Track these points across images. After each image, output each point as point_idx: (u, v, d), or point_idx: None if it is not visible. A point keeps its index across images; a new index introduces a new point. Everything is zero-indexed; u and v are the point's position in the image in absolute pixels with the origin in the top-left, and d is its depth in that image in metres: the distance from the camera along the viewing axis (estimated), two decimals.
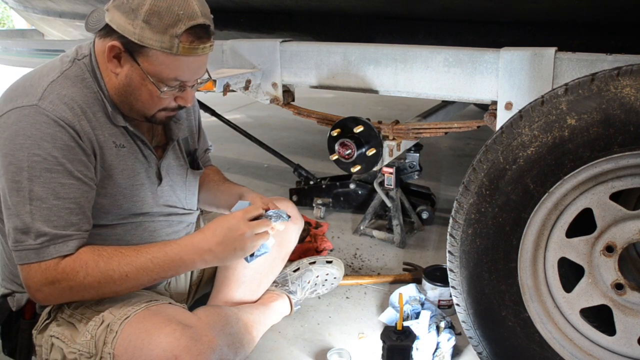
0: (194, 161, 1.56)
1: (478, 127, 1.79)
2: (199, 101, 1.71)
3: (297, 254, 1.99)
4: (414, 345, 1.53)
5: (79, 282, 1.19)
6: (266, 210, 1.33)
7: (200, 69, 1.26)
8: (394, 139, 1.94)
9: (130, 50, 1.19)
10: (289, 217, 1.37)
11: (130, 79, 1.23)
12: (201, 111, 1.71)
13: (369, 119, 1.91)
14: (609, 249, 1.22)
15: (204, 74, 1.30)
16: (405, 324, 1.55)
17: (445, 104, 2.40)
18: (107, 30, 1.20)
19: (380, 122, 1.96)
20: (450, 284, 1.44)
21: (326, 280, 1.90)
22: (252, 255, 1.31)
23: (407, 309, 1.73)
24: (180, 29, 1.14)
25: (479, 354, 1.45)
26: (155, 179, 1.39)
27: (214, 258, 1.25)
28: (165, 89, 1.23)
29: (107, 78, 1.27)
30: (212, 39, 1.23)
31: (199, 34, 1.18)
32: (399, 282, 2.06)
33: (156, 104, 1.27)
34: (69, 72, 1.25)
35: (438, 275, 1.89)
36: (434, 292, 1.87)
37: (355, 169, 1.92)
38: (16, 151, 1.15)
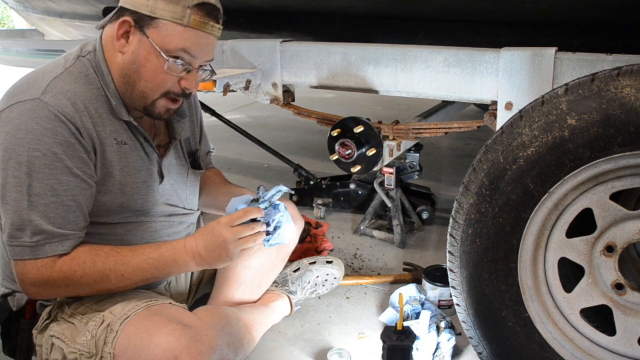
0: (195, 161, 1.56)
1: (478, 127, 1.79)
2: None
3: (297, 254, 1.99)
4: (414, 345, 1.53)
5: (75, 280, 1.21)
6: (257, 200, 1.33)
7: (208, 49, 1.27)
8: (394, 139, 1.94)
9: (141, 23, 1.21)
10: (285, 190, 1.36)
11: (137, 54, 1.23)
12: (202, 112, 1.70)
13: (369, 119, 1.91)
14: (609, 249, 1.22)
15: (211, 60, 1.31)
16: (405, 324, 1.55)
17: (445, 104, 2.40)
18: (119, 13, 1.23)
19: (380, 122, 1.96)
20: (450, 284, 1.44)
21: (326, 280, 1.90)
22: (267, 241, 1.33)
23: (407, 309, 1.73)
24: (193, 1, 1.19)
25: (479, 354, 1.45)
26: (157, 177, 1.39)
27: (203, 261, 1.27)
28: (171, 60, 1.22)
29: (112, 63, 1.27)
30: (220, 23, 1.26)
31: (210, 10, 1.22)
32: (399, 282, 2.06)
33: (160, 83, 1.26)
34: (73, 68, 1.26)
35: (438, 275, 1.89)
36: (434, 292, 1.87)
37: (355, 169, 1.92)
38: (17, 146, 1.16)
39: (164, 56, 1.21)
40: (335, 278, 1.92)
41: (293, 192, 1.39)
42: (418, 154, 2.37)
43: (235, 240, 1.25)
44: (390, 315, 1.78)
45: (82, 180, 1.22)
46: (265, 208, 1.32)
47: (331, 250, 2.32)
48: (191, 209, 1.54)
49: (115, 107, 1.27)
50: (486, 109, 1.75)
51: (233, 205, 1.33)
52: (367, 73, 1.89)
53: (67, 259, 1.20)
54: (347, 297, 1.99)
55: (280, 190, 1.35)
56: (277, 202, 1.34)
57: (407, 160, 2.37)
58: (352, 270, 2.18)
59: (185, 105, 1.52)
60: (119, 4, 1.23)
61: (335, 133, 1.90)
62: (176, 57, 1.23)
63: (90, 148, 1.23)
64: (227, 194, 1.59)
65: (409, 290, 1.82)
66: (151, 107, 1.29)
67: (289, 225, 1.36)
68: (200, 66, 1.29)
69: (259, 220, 1.30)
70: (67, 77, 1.23)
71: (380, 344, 1.56)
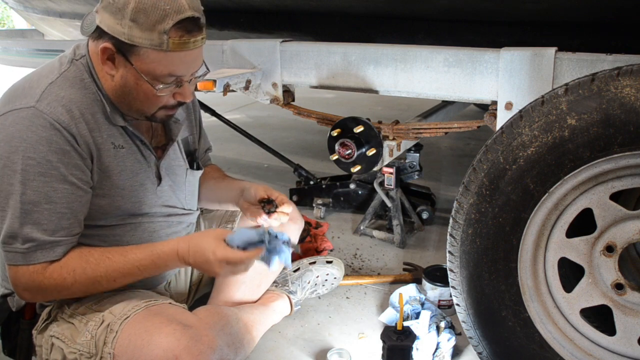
0: (194, 161, 1.56)
1: (478, 127, 1.79)
2: (199, 101, 1.71)
3: (297, 254, 1.99)
4: (414, 345, 1.53)
5: (66, 288, 1.21)
6: (262, 241, 1.27)
7: (195, 62, 1.24)
8: (394, 139, 1.94)
9: (122, 50, 1.17)
10: (291, 245, 1.31)
11: (126, 79, 1.22)
12: (201, 111, 1.70)
13: (369, 119, 1.91)
14: (609, 249, 1.22)
15: (201, 67, 1.28)
16: (405, 324, 1.55)
17: (445, 104, 2.40)
18: (99, 33, 1.19)
19: (380, 122, 1.96)
20: (450, 284, 1.44)
21: (326, 280, 1.90)
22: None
23: (407, 309, 1.73)
24: (168, 24, 1.12)
25: (479, 354, 1.45)
26: (155, 179, 1.39)
27: (193, 267, 1.32)
28: (161, 86, 1.21)
29: (103, 80, 1.26)
30: (203, 31, 1.21)
31: (188, 27, 1.16)
32: (399, 282, 2.06)
33: (154, 102, 1.26)
34: (68, 73, 1.25)
35: (438, 275, 1.89)
36: (434, 292, 1.87)
37: (355, 169, 1.92)
38: (11, 154, 1.15)
39: (152, 83, 1.20)
40: (335, 278, 1.92)
41: (297, 244, 1.37)
42: (418, 154, 2.37)
43: (226, 273, 1.27)
44: (390, 315, 1.78)
45: (78, 188, 1.21)
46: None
47: (331, 250, 2.32)
48: (190, 210, 1.54)
49: (110, 114, 1.26)
50: (486, 109, 1.75)
51: (237, 239, 1.25)
52: (367, 73, 1.89)
53: (57, 267, 1.19)
54: (347, 297, 1.99)
55: (287, 243, 1.29)
56: (281, 233, 1.30)
57: (407, 160, 2.37)
58: (352, 270, 2.18)
59: (183, 106, 1.51)
60: (96, 23, 1.18)
61: (335, 133, 1.90)
62: (166, 81, 1.21)
63: (86, 155, 1.22)
64: (225, 189, 1.60)
65: (409, 290, 1.82)
66: (152, 118, 1.31)
67: (284, 254, 1.30)
68: (192, 74, 1.27)
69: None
70: (62, 83, 1.22)
71: (380, 344, 1.56)
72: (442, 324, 1.64)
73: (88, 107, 1.23)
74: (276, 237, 1.28)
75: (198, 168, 1.57)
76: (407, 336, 1.51)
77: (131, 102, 1.26)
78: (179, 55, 1.18)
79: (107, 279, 1.22)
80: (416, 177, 2.40)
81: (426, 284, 1.89)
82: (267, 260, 1.29)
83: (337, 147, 1.90)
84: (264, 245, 1.26)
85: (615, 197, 1.22)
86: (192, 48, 1.19)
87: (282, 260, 1.29)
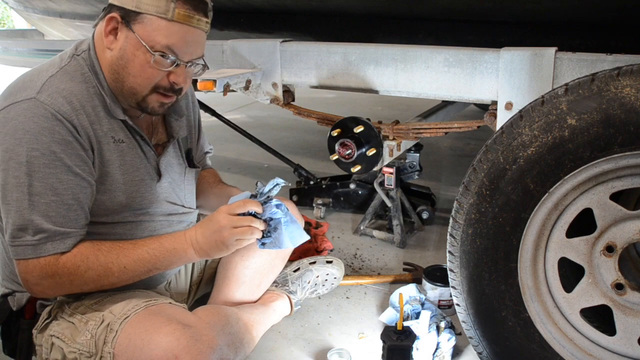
0: (191, 160, 1.56)
1: (478, 127, 1.79)
2: (199, 101, 1.71)
3: (297, 254, 1.99)
4: (414, 345, 1.53)
5: (79, 275, 1.21)
6: (255, 196, 1.33)
7: (195, 45, 1.25)
8: (394, 139, 1.94)
9: (127, 19, 1.20)
10: (282, 183, 1.35)
11: (124, 50, 1.23)
12: (201, 111, 1.70)
13: (369, 119, 1.91)
14: (609, 249, 1.22)
15: (200, 56, 1.29)
16: (406, 324, 1.56)
17: (445, 104, 2.40)
18: (109, 9, 1.24)
19: (380, 122, 1.96)
20: (451, 284, 1.44)
21: (326, 280, 1.90)
22: (263, 244, 1.32)
23: (407, 309, 1.73)
24: None
25: (479, 354, 1.45)
26: (155, 176, 1.39)
27: (201, 250, 1.27)
28: (157, 54, 1.21)
29: (102, 60, 1.27)
30: (209, 17, 1.25)
31: (195, 4, 1.21)
32: (399, 282, 2.06)
33: (148, 77, 1.24)
34: (68, 67, 1.26)
35: (438, 275, 1.89)
36: (434, 292, 1.87)
37: (356, 169, 1.92)
38: (16, 146, 1.16)
39: (151, 51, 1.21)
40: (335, 278, 1.92)
41: (290, 184, 1.38)
42: (418, 154, 2.37)
43: (230, 228, 1.25)
44: (390, 315, 1.78)
45: (82, 179, 1.22)
46: (264, 203, 1.31)
47: (331, 250, 2.32)
48: (190, 207, 1.54)
49: (110, 106, 1.27)
50: (486, 109, 1.75)
51: (233, 200, 1.33)
52: (367, 73, 1.89)
53: (70, 256, 1.21)
54: (347, 297, 1.99)
55: (277, 184, 1.33)
56: (279, 201, 1.33)
57: (407, 160, 2.37)
58: (352, 270, 2.18)
59: (183, 104, 1.52)
60: (109, 1, 1.24)
61: (335, 133, 1.90)
62: (163, 53, 1.22)
63: (87, 146, 1.23)
64: (218, 195, 1.60)
65: (409, 290, 1.82)
66: (143, 103, 1.28)
67: (292, 229, 1.33)
68: (190, 61, 1.27)
69: (259, 218, 1.30)
70: (62, 76, 1.23)
71: (380, 344, 1.56)
72: (442, 324, 1.64)
73: (88, 100, 1.24)
74: (267, 196, 1.32)
75: (196, 167, 1.57)
76: (407, 336, 1.51)
77: (125, 78, 1.25)
78: (181, 29, 1.20)
79: (119, 266, 1.23)
80: (416, 177, 2.40)
81: (426, 284, 1.89)
82: (275, 241, 1.32)
83: (337, 147, 1.90)
84: (257, 198, 1.31)
85: (616, 197, 1.22)
86: (195, 25, 1.22)
87: (289, 231, 1.32)
